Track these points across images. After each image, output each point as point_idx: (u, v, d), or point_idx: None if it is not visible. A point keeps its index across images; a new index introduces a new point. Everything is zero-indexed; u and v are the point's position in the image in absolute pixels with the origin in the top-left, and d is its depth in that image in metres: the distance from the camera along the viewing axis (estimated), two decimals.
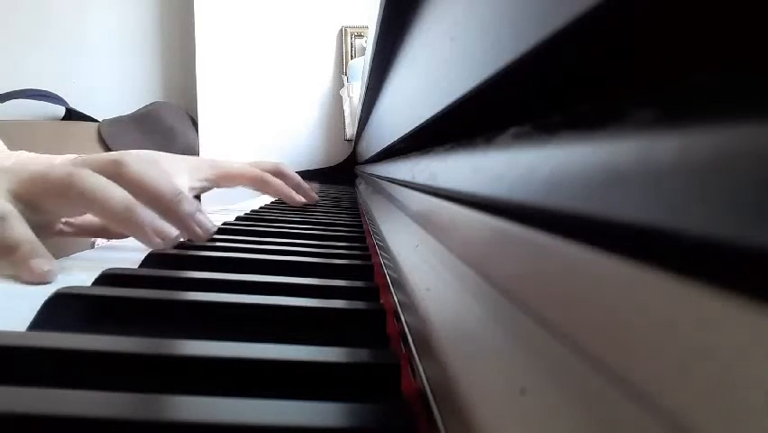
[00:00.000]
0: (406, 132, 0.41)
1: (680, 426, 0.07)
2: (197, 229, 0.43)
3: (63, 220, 0.47)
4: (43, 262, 0.35)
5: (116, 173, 0.39)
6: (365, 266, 0.40)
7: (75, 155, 0.46)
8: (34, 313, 0.25)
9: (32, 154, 0.53)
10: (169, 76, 2.30)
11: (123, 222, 0.38)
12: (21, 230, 0.36)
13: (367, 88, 0.75)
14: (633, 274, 0.09)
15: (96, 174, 0.38)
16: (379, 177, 0.76)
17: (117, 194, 0.38)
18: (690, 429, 0.07)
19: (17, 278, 0.34)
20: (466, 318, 0.17)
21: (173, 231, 0.40)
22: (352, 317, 0.27)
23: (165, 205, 0.41)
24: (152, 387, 0.19)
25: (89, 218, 0.48)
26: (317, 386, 0.20)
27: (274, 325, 0.26)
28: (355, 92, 1.77)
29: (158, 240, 0.39)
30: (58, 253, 0.45)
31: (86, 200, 0.37)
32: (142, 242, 0.39)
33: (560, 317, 0.11)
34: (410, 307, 0.24)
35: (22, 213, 0.37)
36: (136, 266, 0.37)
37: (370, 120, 0.96)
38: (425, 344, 0.19)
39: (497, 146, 0.19)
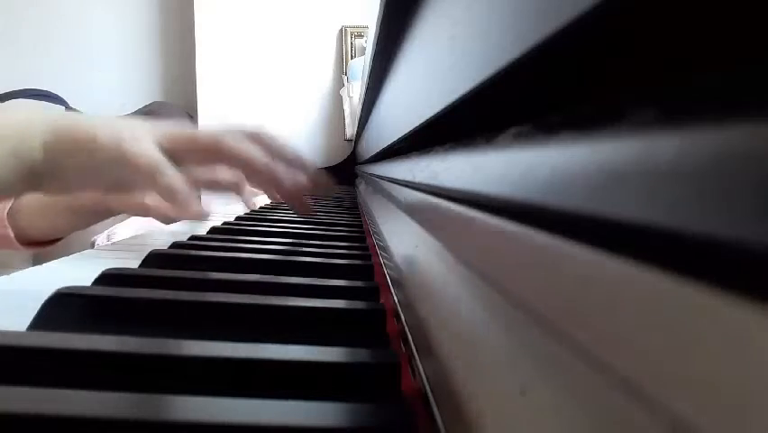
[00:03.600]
0: (407, 131, 0.41)
1: (679, 426, 0.07)
2: (315, 182, 0.52)
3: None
4: (197, 205, 0.42)
5: (253, 139, 0.48)
6: (365, 266, 0.40)
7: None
8: (34, 313, 0.25)
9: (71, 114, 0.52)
10: (169, 76, 2.30)
11: (264, 173, 0.47)
12: (179, 179, 0.42)
13: (367, 88, 0.75)
14: (633, 274, 0.09)
15: (237, 134, 0.47)
16: (379, 177, 0.76)
17: (258, 152, 0.47)
18: (690, 429, 0.07)
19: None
20: (466, 318, 0.17)
21: (301, 179, 0.49)
22: (352, 316, 0.27)
23: (291, 162, 0.50)
24: (152, 387, 0.19)
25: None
26: (317, 386, 0.20)
27: (274, 325, 0.26)
28: (355, 92, 1.77)
29: (287, 186, 0.48)
30: (58, 253, 0.45)
31: (234, 155, 0.46)
32: (277, 189, 0.49)
33: (560, 316, 0.11)
34: (410, 306, 0.24)
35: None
36: (136, 266, 0.37)
37: (370, 120, 0.96)
38: (425, 343, 0.19)
39: (497, 146, 0.19)
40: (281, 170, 0.47)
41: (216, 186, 0.55)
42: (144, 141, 0.43)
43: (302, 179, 0.49)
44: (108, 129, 0.43)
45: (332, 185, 0.54)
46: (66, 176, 0.44)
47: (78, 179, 0.45)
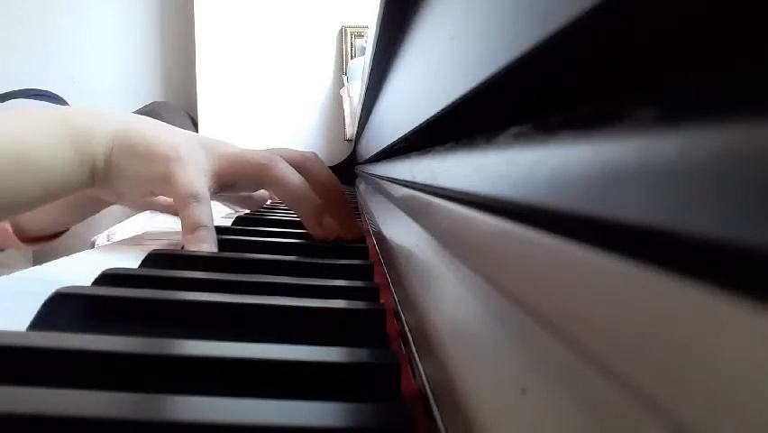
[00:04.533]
0: (407, 131, 0.41)
1: (679, 426, 0.07)
2: (352, 226, 0.51)
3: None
4: (209, 247, 0.42)
5: (303, 167, 0.49)
6: (365, 266, 0.40)
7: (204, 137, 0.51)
8: (34, 313, 0.25)
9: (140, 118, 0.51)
10: (169, 76, 2.30)
11: (301, 206, 0.47)
12: (207, 215, 0.43)
13: (367, 88, 0.75)
14: (633, 274, 0.09)
15: (287, 164, 0.47)
16: (379, 177, 0.76)
17: (301, 184, 0.47)
18: (690, 429, 0.07)
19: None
20: (466, 318, 0.17)
21: (334, 225, 0.49)
22: (352, 316, 0.27)
23: (335, 198, 0.50)
24: (152, 387, 0.19)
25: None
26: (317, 386, 0.20)
27: (274, 325, 0.26)
28: (355, 92, 1.77)
29: (320, 231, 0.48)
30: (58, 253, 0.45)
31: (277, 184, 0.47)
32: (306, 224, 0.48)
33: (560, 316, 0.11)
34: (410, 306, 0.24)
35: (215, 189, 0.46)
36: (136, 266, 0.37)
37: (369, 120, 0.96)
38: (425, 343, 0.19)
39: (497, 146, 0.19)
40: (311, 208, 0.48)
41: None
42: (193, 165, 0.44)
43: (336, 227, 0.49)
44: (165, 146, 0.45)
45: (359, 235, 0.52)
46: (118, 183, 0.45)
47: (128, 188, 0.46)
